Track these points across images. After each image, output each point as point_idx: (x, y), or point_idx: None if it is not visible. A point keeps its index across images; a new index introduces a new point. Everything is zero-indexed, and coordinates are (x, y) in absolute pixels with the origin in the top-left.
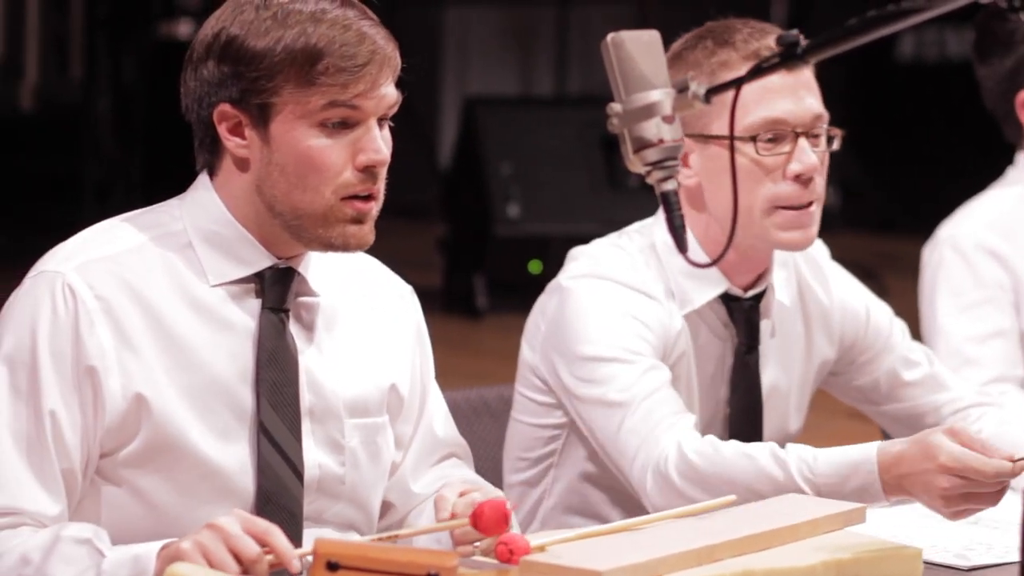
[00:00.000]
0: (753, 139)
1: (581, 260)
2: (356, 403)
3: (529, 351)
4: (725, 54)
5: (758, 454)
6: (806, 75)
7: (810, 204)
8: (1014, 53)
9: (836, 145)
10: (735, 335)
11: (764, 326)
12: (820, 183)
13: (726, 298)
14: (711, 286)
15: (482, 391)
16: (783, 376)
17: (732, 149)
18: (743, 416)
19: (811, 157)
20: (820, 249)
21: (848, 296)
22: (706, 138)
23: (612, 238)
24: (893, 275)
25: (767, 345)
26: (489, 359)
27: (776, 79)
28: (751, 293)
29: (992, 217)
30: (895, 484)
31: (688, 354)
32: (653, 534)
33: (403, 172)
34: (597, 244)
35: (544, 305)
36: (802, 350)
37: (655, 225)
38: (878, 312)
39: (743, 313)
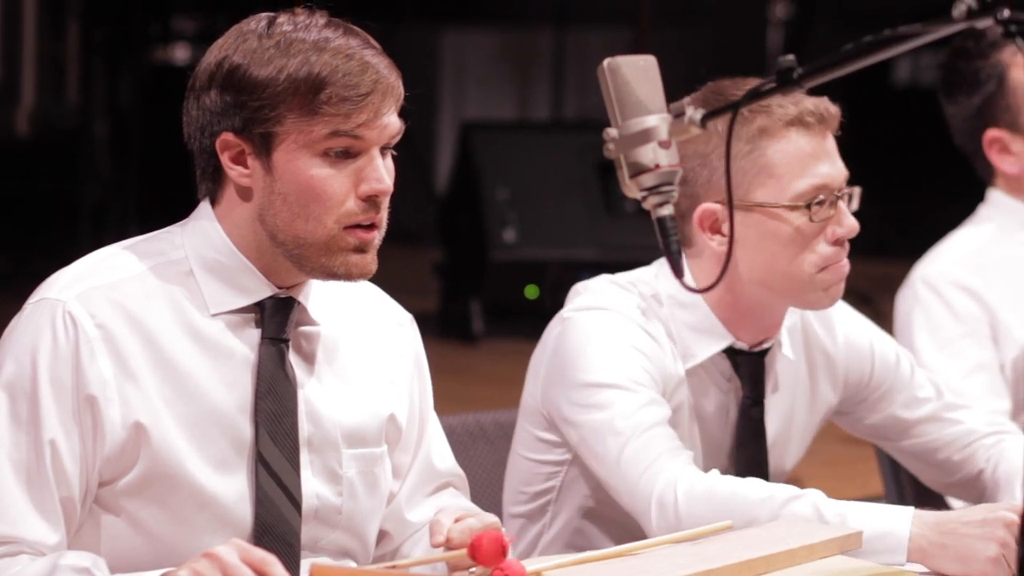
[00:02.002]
0: (807, 206)
1: (585, 295)
2: (354, 433)
3: (532, 385)
4: (763, 120)
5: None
6: (831, 140)
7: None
8: (980, 92)
9: (855, 204)
10: (739, 388)
11: (767, 383)
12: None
13: (730, 351)
14: (715, 341)
15: (478, 416)
16: (784, 428)
17: (729, 186)
18: (749, 469)
19: (852, 220)
20: None
21: (853, 335)
22: (749, 206)
23: (612, 280)
24: (888, 299)
25: (769, 400)
26: (485, 384)
27: (819, 144)
28: (758, 349)
29: (964, 254)
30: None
31: (687, 405)
32: (650, 559)
33: (400, 197)
34: (600, 282)
35: (547, 338)
36: (806, 400)
37: (660, 276)
38: (884, 349)
39: (748, 367)
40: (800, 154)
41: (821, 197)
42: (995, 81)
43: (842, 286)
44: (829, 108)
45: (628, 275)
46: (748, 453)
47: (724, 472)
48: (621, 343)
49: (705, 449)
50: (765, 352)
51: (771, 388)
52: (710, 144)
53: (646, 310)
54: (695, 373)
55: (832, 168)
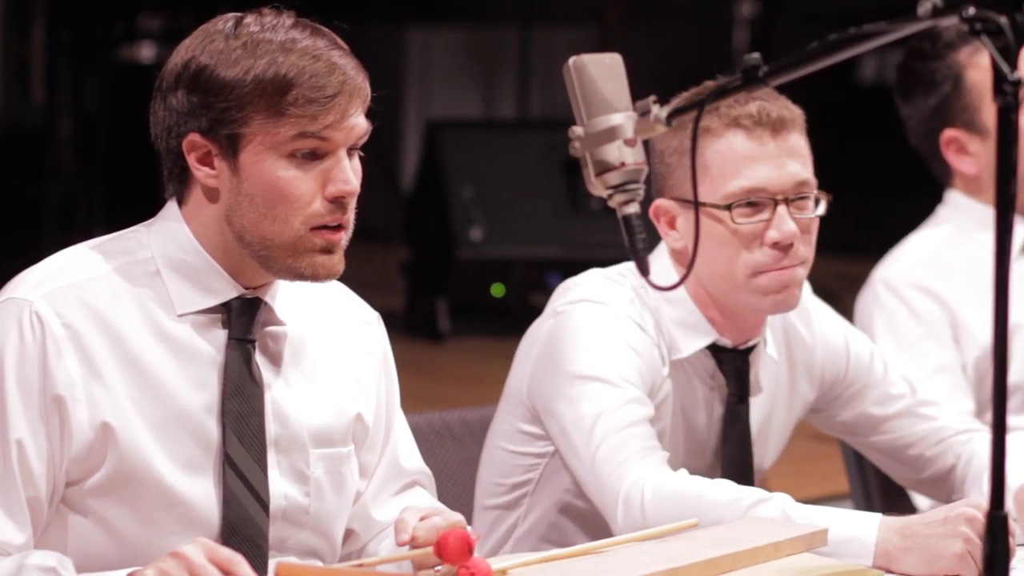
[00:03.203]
0: (729, 207)
1: (576, 289)
2: (321, 433)
3: (518, 377)
4: (707, 120)
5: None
6: (792, 140)
7: (791, 268)
8: (936, 92)
9: (822, 210)
10: (723, 385)
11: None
12: (804, 249)
13: (715, 348)
14: (700, 336)
15: (444, 415)
16: (764, 427)
17: (695, 183)
18: (734, 467)
19: (789, 225)
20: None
21: (829, 332)
22: (688, 203)
23: (602, 273)
24: (853, 297)
25: (751, 399)
26: (451, 383)
27: (758, 146)
28: (743, 347)
29: (923, 256)
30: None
31: (671, 400)
32: (616, 557)
33: (365, 195)
34: (589, 276)
35: (537, 331)
36: (785, 398)
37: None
38: (859, 346)
39: (733, 364)
40: (735, 155)
41: (752, 199)
42: (951, 82)
43: (791, 293)
44: (776, 112)
45: (617, 267)
46: (733, 451)
47: (709, 469)
48: (614, 338)
49: (688, 445)
50: (750, 350)
51: (754, 388)
52: (666, 141)
53: (637, 302)
54: (681, 368)
55: (775, 172)
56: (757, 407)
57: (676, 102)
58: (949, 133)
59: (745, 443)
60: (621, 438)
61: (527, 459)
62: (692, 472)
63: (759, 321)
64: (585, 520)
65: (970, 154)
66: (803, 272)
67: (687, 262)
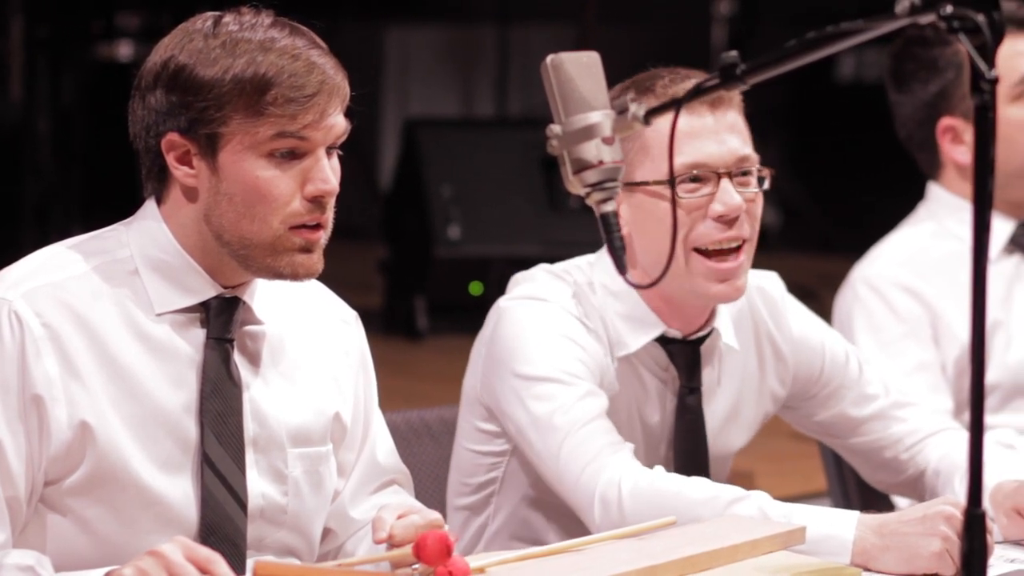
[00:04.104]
0: (671, 183)
1: (522, 284)
2: (299, 433)
3: (471, 377)
4: (647, 101)
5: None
6: (730, 117)
7: (738, 249)
8: (938, 79)
9: (766, 185)
10: (675, 377)
11: (709, 373)
12: (748, 225)
13: (664, 340)
14: (646, 330)
15: (422, 413)
16: (731, 417)
17: (672, 174)
18: (688, 458)
19: (734, 197)
20: (776, 284)
21: (804, 331)
22: (631, 186)
23: (549, 269)
24: (832, 295)
25: (714, 392)
26: (429, 381)
27: (698, 122)
28: (693, 337)
29: (905, 256)
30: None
31: (621, 396)
32: (594, 555)
33: (344, 194)
34: (537, 272)
35: (485, 328)
36: (754, 390)
37: (596, 265)
38: (834, 346)
39: (683, 356)
40: (679, 133)
41: (695, 173)
42: (954, 69)
43: (739, 281)
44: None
45: (564, 264)
46: (686, 442)
47: (664, 461)
48: (556, 334)
49: (644, 439)
50: (700, 341)
51: (716, 379)
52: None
53: (580, 298)
54: (630, 362)
55: (718, 147)
56: (722, 398)
57: (626, 84)
58: (946, 121)
59: (698, 435)
60: (583, 435)
61: (489, 458)
62: (647, 467)
63: (705, 308)
64: (555, 514)
65: (965, 143)
66: (747, 260)
67: (631, 250)
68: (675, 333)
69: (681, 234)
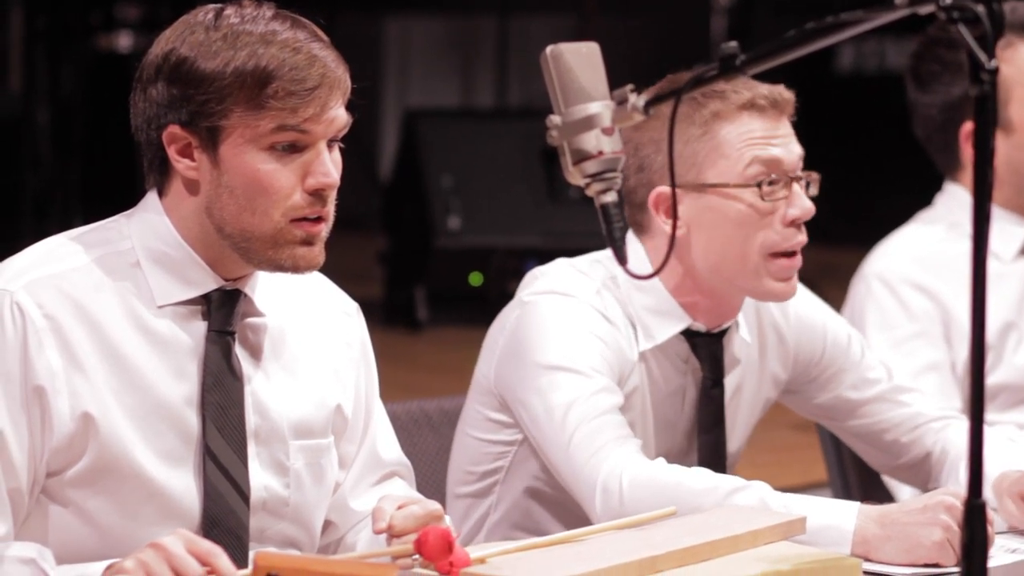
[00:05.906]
0: (759, 185)
1: (543, 279)
2: (301, 425)
3: (486, 366)
4: (715, 104)
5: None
6: (786, 124)
7: (797, 252)
8: (963, 82)
9: (814, 190)
10: (697, 369)
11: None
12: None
13: (688, 333)
14: (674, 322)
15: (422, 404)
16: (731, 407)
17: (672, 170)
18: (710, 450)
19: (807, 202)
20: None
21: (806, 313)
22: (702, 187)
23: (571, 263)
24: (832, 287)
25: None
26: (429, 372)
27: (761, 127)
28: (716, 330)
29: (920, 253)
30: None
31: (643, 388)
32: (594, 546)
33: (344, 184)
34: (557, 266)
35: (504, 320)
36: (754, 379)
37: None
38: (836, 329)
39: (707, 348)
40: (752, 136)
41: (773, 176)
42: None
43: (792, 284)
44: (783, 94)
45: (586, 258)
46: (708, 434)
47: (685, 454)
48: (580, 329)
49: (659, 432)
50: (723, 333)
51: (726, 369)
52: (664, 130)
53: (604, 293)
54: (652, 355)
55: (785, 151)
56: (725, 386)
57: (652, 92)
58: (971, 125)
59: (720, 426)
60: (594, 426)
61: (496, 447)
62: (668, 460)
63: (736, 306)
64: (557, 506)
65: None
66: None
67: (684, 249)
68: (699, 326)
69: (756, 238)
